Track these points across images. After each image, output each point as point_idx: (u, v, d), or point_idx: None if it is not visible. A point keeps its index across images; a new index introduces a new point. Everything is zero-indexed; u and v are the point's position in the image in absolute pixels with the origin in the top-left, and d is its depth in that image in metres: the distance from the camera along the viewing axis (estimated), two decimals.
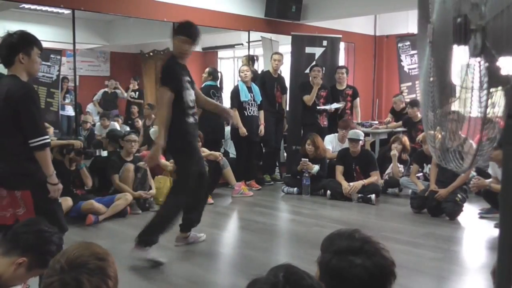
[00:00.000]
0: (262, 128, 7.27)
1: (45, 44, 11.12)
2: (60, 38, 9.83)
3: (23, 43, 3.11)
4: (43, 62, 9.88)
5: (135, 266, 3.99)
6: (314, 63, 7.85)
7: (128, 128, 8.80)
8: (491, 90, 1.57)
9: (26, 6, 8.31)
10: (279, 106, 7.74)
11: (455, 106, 1.82)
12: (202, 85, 7.43)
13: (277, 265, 1.35)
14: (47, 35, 10.42)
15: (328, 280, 1.56)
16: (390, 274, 1.56)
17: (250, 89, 7.06)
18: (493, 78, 1.50)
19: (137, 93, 10.87)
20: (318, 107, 7.42)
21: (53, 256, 1.67)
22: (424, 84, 1.98)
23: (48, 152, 3.04)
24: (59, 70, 10.02)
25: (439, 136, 1.92)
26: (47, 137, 3.04)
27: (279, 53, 7.80)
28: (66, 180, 5.46)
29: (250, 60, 8.32)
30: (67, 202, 5.16)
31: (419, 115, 7.27)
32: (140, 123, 9.51)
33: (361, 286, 1.52)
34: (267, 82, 7.58)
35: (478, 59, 1.58)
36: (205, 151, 6.85)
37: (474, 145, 1.67)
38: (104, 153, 6.09)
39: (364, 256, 1.53)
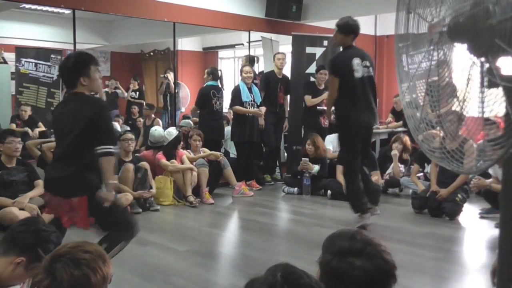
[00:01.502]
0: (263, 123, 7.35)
1: (45, 44, 11.17)
2: (61, 38, 9.84)
3: (80, 66, 3.23)
4: (43, 63, 9.93)
5: (135, 266, 3.99)
6: (319, 64, 7.84)
7: (128, 128, 8.80)
8: (492, 89, 1.57)
9: (27, 6, 8.32)
10: (280, 107, 7.73)
11: (455, 106, 1.82)
12: (204, 85, 7.45)
13: (275, 265, 1.35)
14: (48, 35, 10.45)
15: (328, 280, 1.55)
16: (390, 278, 1.55)
17: (250, 90, 7.07)
18: (494, 77, 1.50)
19: (137, 93, 10.87)
20: (319, 107, 7.41)
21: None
22: (414, 84, 1.98)
23: (112, 160, 3.20)
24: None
25: (440, 135, 1.92)
26: (113, 147, 3.20)
27: (282, 53, 7.81)
28: None
29: (250, 60, 8.32)
30: None
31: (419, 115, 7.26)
32: (142, 121, 9.52)
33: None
34: (271, 82, 7.59)
35: (482, 58, 1.58)
36: (205, 151, 6.86)
37: (475, 145, 1.66)
38: None
39: (364, 258, 1.52)
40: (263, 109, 7.16)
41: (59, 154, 3.27)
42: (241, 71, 7.25)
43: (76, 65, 3.24)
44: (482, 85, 1.59)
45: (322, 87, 7.49)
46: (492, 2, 1.41)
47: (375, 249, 1.56)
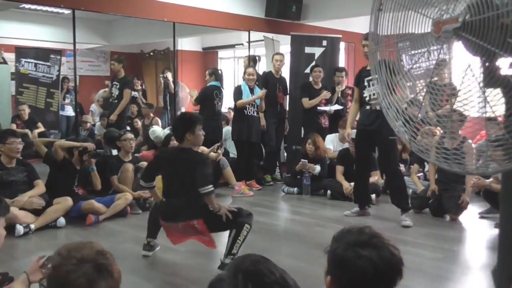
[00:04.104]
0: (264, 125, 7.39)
1: (45, 44, 11.17)
2: (60, 38, 9.85)
3: (187, 124, 3.93)
4: (43, 63, 9.93)
5: (135, 266, 3.99)
6: (314, 63, 7.84)
7: (128, 128, 8.80)
8: (492, 89, 1.57)
9: (26, 6, 8.32)
10: (280, 107, 7.74)
11: (456, 106, 1.82)
12: (207, 85, 7.45)
13: (241, 257, 1.28)
14: (47, 35, 10.46)
15: (334, 269, 1.54)
16: (397, 272, 1.52)
17: (252, 91, 7.07)
18: (495, 77, 1.51)
19: (140, 93, 10.85)
20: (318, 107, 7.40)
21: None
22: (414, 84, 1.99)
23: (212, 197, 3.86)
24: (59, 70, 10.03)
25: (438, 133, 1.92)
26: (211, 186, 3.85)
27: (280, 54, 7.79)
28: (71, 179, 5.49)
29: (252, 60, 8.31)
30: (67, 202, 5.16)
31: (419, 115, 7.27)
32: (139, 123, 9.48)
33: (365, 279, 1.48)
34: (270, 82, 7.58)
35: (483, 58, 1.58)
36: (204, 150, 6.85)
37: (474, 145, 1.68)
38: (114, 152, 6.07)
39: (371, 249, 1.50)
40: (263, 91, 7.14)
41: (177, 194, 3.92)
42: (244, 72, 7.25)
43: (185, 122, 3.97)
44: (484, 85, 1.59)
45: (319, 86, 7.47)
46: (503, 3, 1.41)
47: (381, 242, 1.54)
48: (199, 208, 3.84)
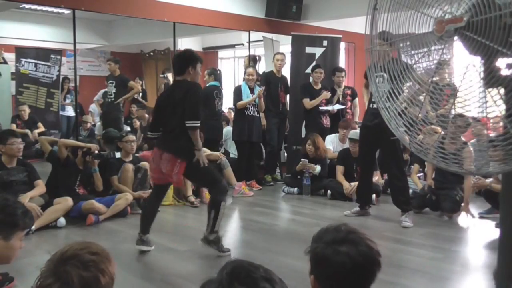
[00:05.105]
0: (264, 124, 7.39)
1: (45, 44, 11.15)
2: (61, 38, 9.85)
3: (191, 59, 4.10)
4: (43, 63, 9.93)
5: (135, 266, 3.99)
6: (315, 63, 7.84)
7: (128, 128, 8.79)
8: (492, 89, 1.57)
9: (27, 6, 8.32)
10: (282, 107, 7.74)
11: (457, 106, 1.82)
12: (206, 85, 7.45)
13: (228, 262, 1.29)
14: (48, 35, 10.46)
15: (315, 268, 1.60)
16: (375, 264, 1.58)
17: (252, 91, 7.06)
18: (494, 77, 1.51)
19: (140, 94, 10.83)
20: (320, 108, 7.40)
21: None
22: (414, 84, 2.00)
23: (197, 132, 4.03)
24: (59, 70, 10.03)
25: (440, 133, 1.92)
26: (198, 122, 4.00)
27: (281, 53, 7.79)
28: (73, 178, 5.51)
29: (252, 60, 8.30)
30: (67, 202, 5.16)
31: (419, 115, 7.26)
32: (138, 123, 9.47)
33: (345, 274, 1.54)
34: (271, 82, 7.58)
35: (484, 58, 1.58)
36: (205, 151, 6.85)
37: (473, 152, 1.68)
38: (118, 155, 6.08)
39: (348, 245, 1.56)
40: (261, 90, 7.15)
41: (170, 128, 4.10)
42: (245, 72, 7.25)
43: (189, 56, 4.12)
44: (486, 85, 1.59)
45: (319, 86, 7.48)
46: (505, 3, 1.42)
47: (358, 237, 1.61)
48: (187, 150, 4.03)
